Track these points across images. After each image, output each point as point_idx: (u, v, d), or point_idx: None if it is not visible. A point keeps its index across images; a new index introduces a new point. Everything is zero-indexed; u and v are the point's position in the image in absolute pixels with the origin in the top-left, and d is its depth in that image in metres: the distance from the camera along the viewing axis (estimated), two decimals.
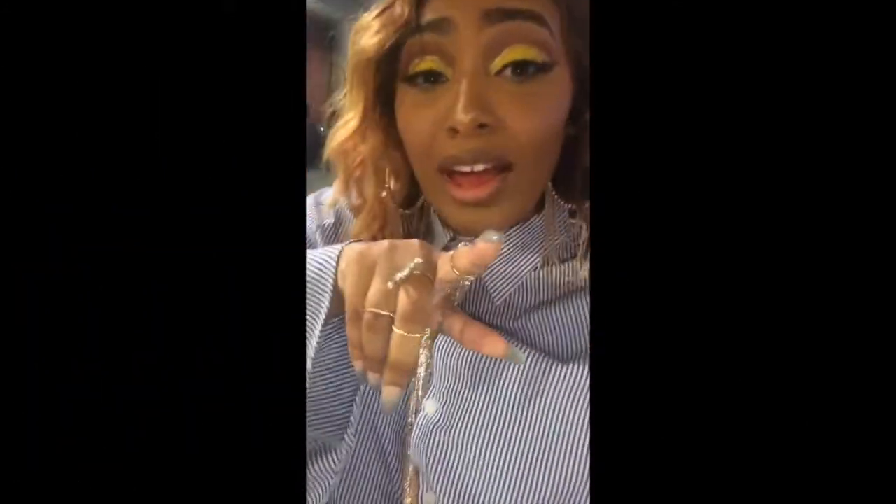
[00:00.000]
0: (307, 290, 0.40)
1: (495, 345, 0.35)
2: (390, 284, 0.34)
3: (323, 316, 0.39)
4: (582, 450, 0.41)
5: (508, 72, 0.40)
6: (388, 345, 0.35)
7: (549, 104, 0.41)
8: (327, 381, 0.42)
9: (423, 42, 0.40)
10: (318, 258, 0.41)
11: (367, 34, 0.43)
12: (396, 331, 0.34)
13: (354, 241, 0.43)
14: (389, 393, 0.35)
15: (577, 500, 0.42)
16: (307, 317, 0.40)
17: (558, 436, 0.41)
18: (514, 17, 0.39)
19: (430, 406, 0.45)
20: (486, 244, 0.34)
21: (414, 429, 0.46)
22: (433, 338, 0.47)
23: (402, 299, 0.34)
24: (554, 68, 0.41)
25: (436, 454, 0.43)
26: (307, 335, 0.40)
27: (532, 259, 0.47)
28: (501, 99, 0.40)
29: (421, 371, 0.47)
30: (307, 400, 0.41)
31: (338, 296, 0.39)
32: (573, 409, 0.41)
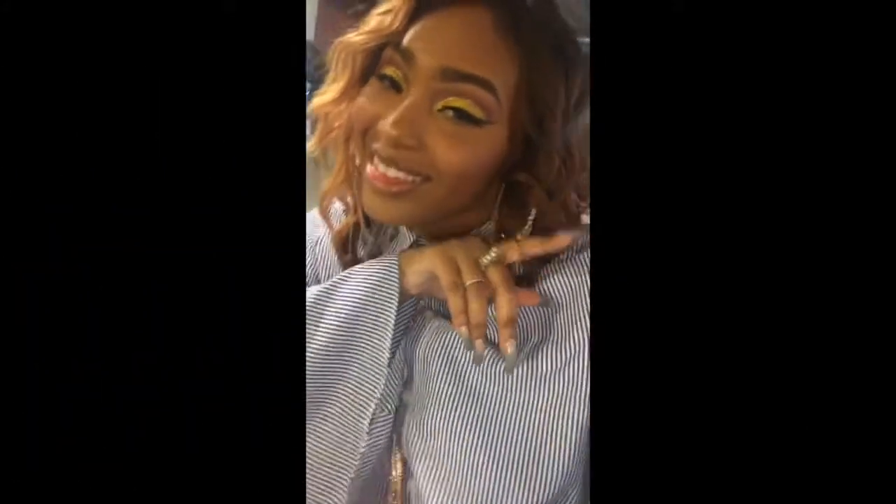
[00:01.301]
0: (362, 298, 0.48)
1: (534, 298, 0.47)
2: (486, 260, 0.46)
3: (393, 319, 0.47)
4: (569, 436, 0.45)
5: (449, 112, 0.45)
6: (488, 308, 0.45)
7: (476, 149, 0.46)
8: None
9: (394, 58, 0.47)
10: (374, 268, 0.49)
11: (364, 28, 0.49)
12: (505, 294, 0.45)
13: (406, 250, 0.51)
14: (513, 345, 0.45)
15: (566, 484, 0.46)
16: (363, 323, 0.48)
17: (540, 423, 0.45)
18: (466, 80, 0.44)
19: (409, 396, 0.52)
20: (562, 237, 0.47)
21: (400, 418, 0.51)
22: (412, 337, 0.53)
23: (495, 273, 0.45)
24: (489, 126, 0.46)
25: (422, 439, 0.49)
26: (376, 335, 0.48)
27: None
28: (433, 129, 0.45)
29: (399, 356, 0.52)
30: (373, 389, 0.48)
31: (404, 296, 0.48)
32: (551, 397, 0.46)
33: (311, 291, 0.51)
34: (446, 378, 0.49)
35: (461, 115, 0.45)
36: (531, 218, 0.48)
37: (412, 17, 0.47)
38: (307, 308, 0.50)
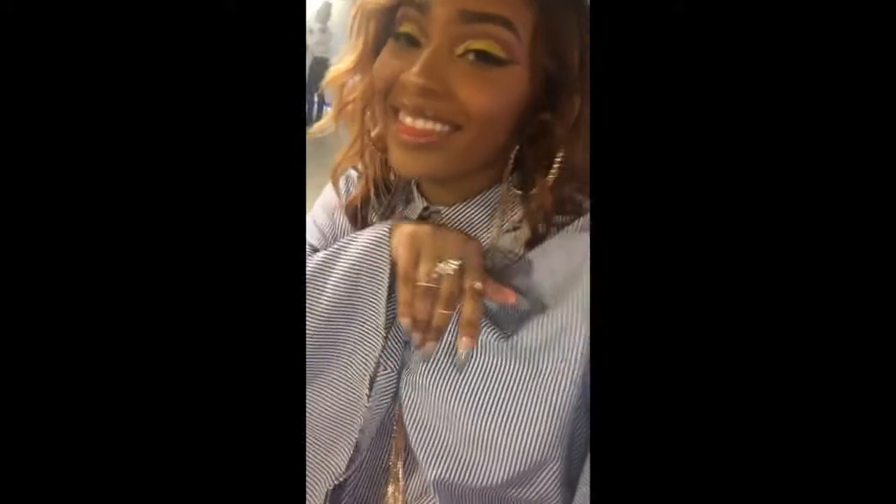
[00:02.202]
0: (357, 263, 0.50)
1: (511, 296, 0.47)
2: (435, 276, 0.46)
3: (386, 283, 0.48)
4: (556, 410, 0.46)
5: (471, 56, 0.45)
6: (433, 312, 0.46)
7: (502, 90, 0.47)
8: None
9: (409, 12, 0.47)
10: (368, 235, 0.50)
11: None
12: (470, 304, 0.46)
13: (399, 221, 0.52)
14: (467, 346, 0.46)
15: (551, 457, 0.47)
16: (361, 287, 0.50)
17: (532, 396, 0.46)
18: (485, 20, 0.45)
19: (413, 356, 0.53)
20: (508, 292, 0.47)
21: (402, 384, 0.52)
22: None
23: (451, 282, 0.46)
24: (511, 65, 0.46)
25: (416, 396, 0.50)
26: (371, 299, 0.49)
27: (488, 226, 0.53)
28: (457, 74, 0.45)
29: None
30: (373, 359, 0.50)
31: (393, 267, 0.49)
32: (537, 370, 0.46)
33: (315, 259, 0.53)
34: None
35: (483, 57, 0.45)
36: (559, 159, 0.49)
37: None
38: (310, 274, 0.51)
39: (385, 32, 0.50)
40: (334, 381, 0.53)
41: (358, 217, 0.59)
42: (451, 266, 0.46)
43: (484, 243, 0.52)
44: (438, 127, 0.47)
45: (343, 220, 0.61)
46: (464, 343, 0.46)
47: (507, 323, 0.50)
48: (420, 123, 0.47)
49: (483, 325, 0.48)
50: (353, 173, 0.60)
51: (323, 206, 0.64)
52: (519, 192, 0.52)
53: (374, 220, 0.58)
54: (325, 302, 0.51)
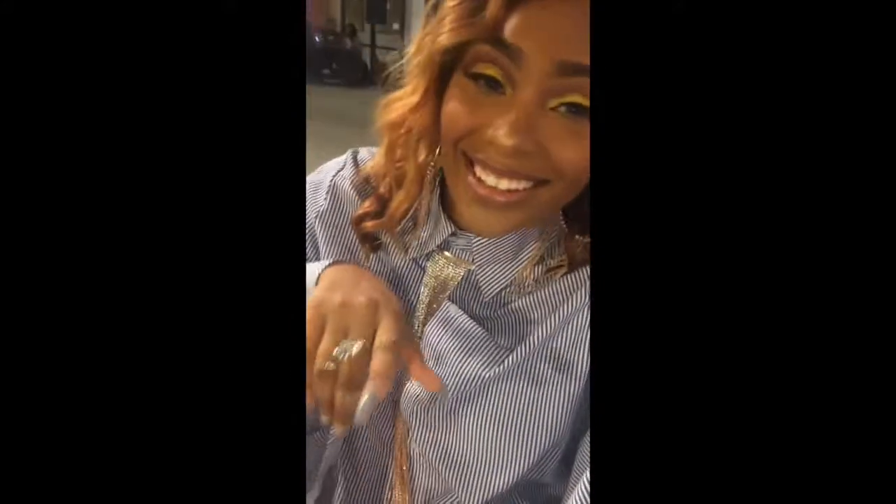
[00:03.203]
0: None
1: (433, 382, 0.42)
2: (331, 366, 0.39)
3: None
4: (557, 416, 0.47)
5: (563, 109, 0.42)
6: (337, 390, 0.39)
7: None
8: None
9: (494, 55, 0.41)
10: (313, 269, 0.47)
11: (447, 26, 0.43)
12: (343, 395, 0.39)
13: (333, 264, 0.48)
14: (368, 388, 0.39)
15: (549, 461, 0.48)
16: None
17: (534, 403, 0.48)
18: (584, 73, 0.40)
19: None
20: (436, 381, 0.42)
21: (403, 393, 0.52)
22: (426, 322, 0.54)
23: (344, 368, 0.39)
24: None
25: (425, 414, 0.50)
26: None
27: (523, 260, 0.52)
28: (550, 129, 0.42)
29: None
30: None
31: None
32: (552, 379, 0.47)
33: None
34: (457, 370, 0.50)
35: (575, 110, 0.42)
36: None
37: (507, 8, 0.41)
38: None
39: (450, 68, 0.45)
40: None
41: (364, 233, 0.55)
42: (352, 346, 0.40)
43: (501, 277, 0.51)
44: (523, 184, 0.44)
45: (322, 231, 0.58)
46: (368, 387, 0.39)
47: (504, 338, 0.51)
48: (505, 184, 0.43)
49: (483, 341, 0.49)
50: (353, 195, 0.57)
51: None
52: (579, 237, 0.49)
53: (384, 238, 0.56)
54: None
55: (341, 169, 0.60)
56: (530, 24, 0.40)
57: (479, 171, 0.44)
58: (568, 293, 0.50)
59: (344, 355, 0.40)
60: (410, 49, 0.48)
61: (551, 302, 0.50)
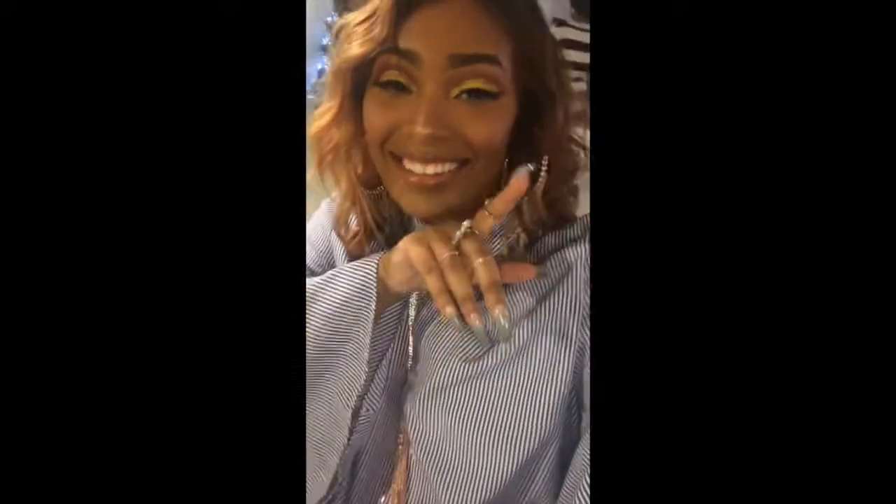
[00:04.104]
0: (344, 298, 0.51)
1: (529, 272, 0.47)
2: (458, 234, 0.45)
3: (371, 319, 0.49)
4: (554, 410, 0.48)
5: (464, 96, 0.48)
6: (471, 277, 0.44)
7: (497, 119, 0.49)
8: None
9: (395, 62, 0.48)
10: (356, 269, 0.52)
11: (351, 44, 0.50)
12: (481, 259, 0.44)
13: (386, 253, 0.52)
14: (502, 310, 0.43)
15: (545, 456, 0.49)
16: (346, 322, 0.51)
17: (531, 399, 0.49)
18: (474, 61, 0.47)
19: (411, 377, 0.55)
20: (515, 178, 0.46)
21: (404, 398, 0.55)
22: (417, 320, 0.55)
23: (469, 243, 0.45)
24: (502, 97, 0.49)
25: (417, 415, 0.52)
26: (356, 334, 0.51)
27: (501, 240, 0.54)
28: (457, 114, 0.48)
29: (410, 349, 0.55)
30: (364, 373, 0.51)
31: (380, 300, 0.50)
32: (543, 381, 0.48)
33: (308, 285, 0.54)
34: (441, 362, 0.52)
35: (477, 94, 0.47)
36: (545, 163, 0.51)
37: (398, 20, 0.48)
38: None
39: (362, 82, 0.51)
40: (318, 413, 0.54)
41: (365, 253, 0.59)
42: (462, 227, 0.46)
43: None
44: (448, 167, 0.49)
45: (337, 243, 0.62)
46: (498, 311, 0.43)
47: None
48: (431, 168, 0.48)
49: (462, 338, 0.50)
50: (353, 220, 0.61)
51: (321, 227, 0.65)
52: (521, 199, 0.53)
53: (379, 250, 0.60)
54: (312, 333, 0.52)
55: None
56: (420, 29, 0.47)
57: (406, 163, 0.49)
58: (545, 282, 0.51)
59: (459, 235, 0.45)
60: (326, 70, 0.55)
61: (532, 289, 0.51)
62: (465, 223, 0.46)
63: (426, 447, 0.51)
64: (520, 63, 0.49)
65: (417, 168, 0.49)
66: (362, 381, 0.51)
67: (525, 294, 0.51)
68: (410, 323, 0.56)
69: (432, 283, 0.44)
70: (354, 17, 0.51)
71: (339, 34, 0.53)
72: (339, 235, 0.61)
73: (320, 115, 0.55)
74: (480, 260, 0.44)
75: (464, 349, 0.50)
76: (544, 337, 0.49)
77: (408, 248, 0.47)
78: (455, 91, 0.47)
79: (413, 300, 0.55)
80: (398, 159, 0.50)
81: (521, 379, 0.49)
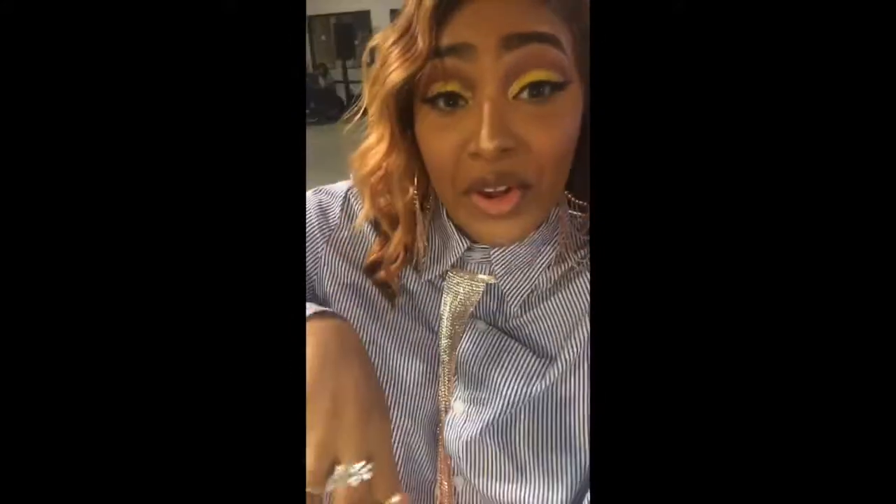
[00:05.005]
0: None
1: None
2: (329, 488, 0.35)
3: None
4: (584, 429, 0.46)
5: (525, 94, 0.42)
6: None
7: (566, 120, 0.44)
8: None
9: (443, 66, 0.41)
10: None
11: (390, 68, 0.43)
12: None
13: (316, 316, 0.43)
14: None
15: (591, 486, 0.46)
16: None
17: (571, 426, 0.46)
18: (530, 40, 0.41)
19: (458, 406, 0.51)
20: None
21: (445, 426, 0.51)
22: (454, 346, 0.52)
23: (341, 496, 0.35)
24: (568, 86, 0.43)
25: (463, 446, 0.49)
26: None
27: (545, 259, 0.51)
28: (522, 121, 0.42)
29: (449, 375, 0.52)
30: None
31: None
32: (583, 400, 0.46)
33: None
34: (503, 390, 0.49)
35: (538, 90, 0.42)
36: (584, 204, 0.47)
37: (438, 28, 0.42)
38: None
39: (408, 103, 0.45)
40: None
41: (381, 272, 0.53)
42: (348, 474, 0.36)
43: (525, 283, 0.50)
44: (517, 192, 0.43)
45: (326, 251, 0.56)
46: None
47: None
48: (503, 186, 0.43)
49: (521, 355, 0.48)
50: (367, 228, 0.55)
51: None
52: (579, 214, 0.50)
53: (407, 275, 0.55)
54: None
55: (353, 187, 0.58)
56: (466, 21, 0.41)
57: (480, 189, 0.43)
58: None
59: (340, 484, 0.35)
60: (363, 97, 0.48)
61: (581, 302, 0.49)
62: (356, 469, 0.35)
63: (481, 473, 0.49)
64: (581, 48, 0.43)
65: (490, 189, 0.43)
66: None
67: (567, 311, 0.49)
68: (444, 355, 0.52)
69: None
70: (386, 35, 0.45)
71: (372, 56, 0.47)
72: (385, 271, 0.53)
73: (370, 149, 0.48)
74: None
75: (525, 370, 0.48)
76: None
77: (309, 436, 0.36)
78: (515, 88, 0.41)
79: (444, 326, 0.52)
80: (469, 188, 0.44)
81: (584, 385, 0.47)
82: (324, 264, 0.55)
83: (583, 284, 0.50)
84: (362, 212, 0.52)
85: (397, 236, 0.51)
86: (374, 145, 0.48)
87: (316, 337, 0.40)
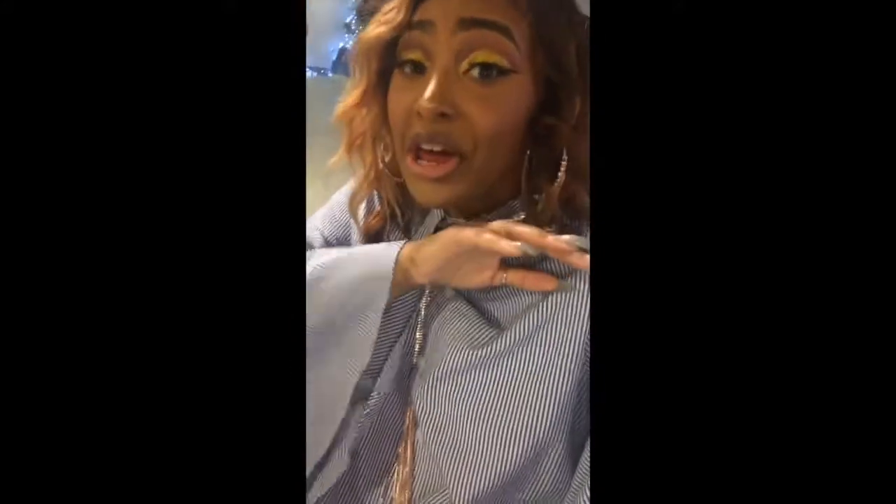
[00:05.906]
0: (361, 278, 0.52)
1: (551, 283, 0.48)
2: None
3: (384, 301, 0.50)
4: (561, 400, 0.48)
5: (475, 72, 0.47)
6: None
7: (508, 104, 0.48)
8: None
9: (411, 37, 0.49)
10: (378, 249, 0.53)
11: (374, 26, 0.51)
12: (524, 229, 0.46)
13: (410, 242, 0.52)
14: (569, 238, 0.45)
15: (553, 447, 0.49)
16: (355, 301, 0.51)
17: (538, 387, 0.49)
18: (483, 26, 0.46)
19: (420, 363, 0.55)
20: (557, 246, 0.45)
21: (412, 382, 0.55)
22: (427, 309, 0.56)
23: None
24: (515, 75, 0.48)
25: (417, 400, 0.53)
26: (366, 316, 0.51)
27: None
28: (466, 95, 0.47)
29: (418, 335, 0.56)
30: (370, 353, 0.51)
31: (396, 288, 0.51)
32: (554, 362, 0.48)
33: (321, 259, 0.55)
34: (451, 349, 0.52)
35: (487, 70, 0.47)
36: (564, 160, 0.50)
37: (416, 4, 0.48)
38: (312, 278, 0.54)
39: (388, 65, 0.52)
40: (324, 378, 0.54)
41: (382, 237, 0.60)
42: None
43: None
44: (452, 159, 0.48)
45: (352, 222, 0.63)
46: (568, 238, 0.45)
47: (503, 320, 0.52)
48: (438, 147, 0.48)
49: (474, 323, 0.51)
50: (376, 198, 0.62)
51: (330, 218, 0.65)
52: (536, 196, 0.53)
53: (393, 238, 0.60)
54: (321, 308, 0.52)
55: None
56: (434, 3, 0.48)
57: (418, 145, 0.49)
58: (562, 275, 0.51)
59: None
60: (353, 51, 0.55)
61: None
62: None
63: (435, 428, 0.52)
64: (536, 44, 0.48)
65: (424, 146, 0.48)
66: (366, 361, 0.52)
67: (525, 292, 0.51)
68: (422, 313, 0.56)
69: (506, 246, 0.46)
70: (380, 15, 0.51)
71: (362, 14, 0.54)
72: (352, 214, 0.61)
73: (346, 96, 0.55)
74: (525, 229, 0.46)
75: (471, 336, 0.51)
76: (553, 325, 0.49)
77: (454, 235, 0.48)
78: (465, 64, 0.47)
79: (426, 290, 0.56)
80: (414, 154, 0.49)
81: (529, 365, 0.49)
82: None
83: (553, 269, 0.52)
84: (340, 151, 0.58)
85: (360, 181, 0.59)
86: (350, 92, 0.55)
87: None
